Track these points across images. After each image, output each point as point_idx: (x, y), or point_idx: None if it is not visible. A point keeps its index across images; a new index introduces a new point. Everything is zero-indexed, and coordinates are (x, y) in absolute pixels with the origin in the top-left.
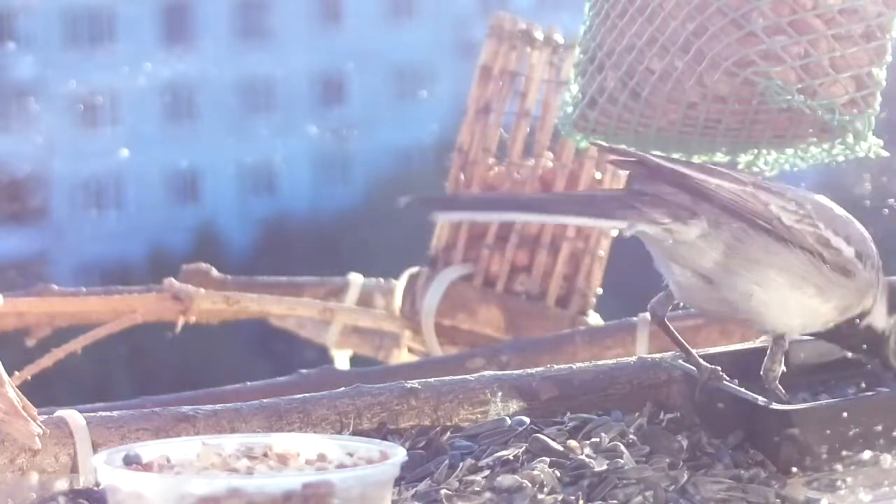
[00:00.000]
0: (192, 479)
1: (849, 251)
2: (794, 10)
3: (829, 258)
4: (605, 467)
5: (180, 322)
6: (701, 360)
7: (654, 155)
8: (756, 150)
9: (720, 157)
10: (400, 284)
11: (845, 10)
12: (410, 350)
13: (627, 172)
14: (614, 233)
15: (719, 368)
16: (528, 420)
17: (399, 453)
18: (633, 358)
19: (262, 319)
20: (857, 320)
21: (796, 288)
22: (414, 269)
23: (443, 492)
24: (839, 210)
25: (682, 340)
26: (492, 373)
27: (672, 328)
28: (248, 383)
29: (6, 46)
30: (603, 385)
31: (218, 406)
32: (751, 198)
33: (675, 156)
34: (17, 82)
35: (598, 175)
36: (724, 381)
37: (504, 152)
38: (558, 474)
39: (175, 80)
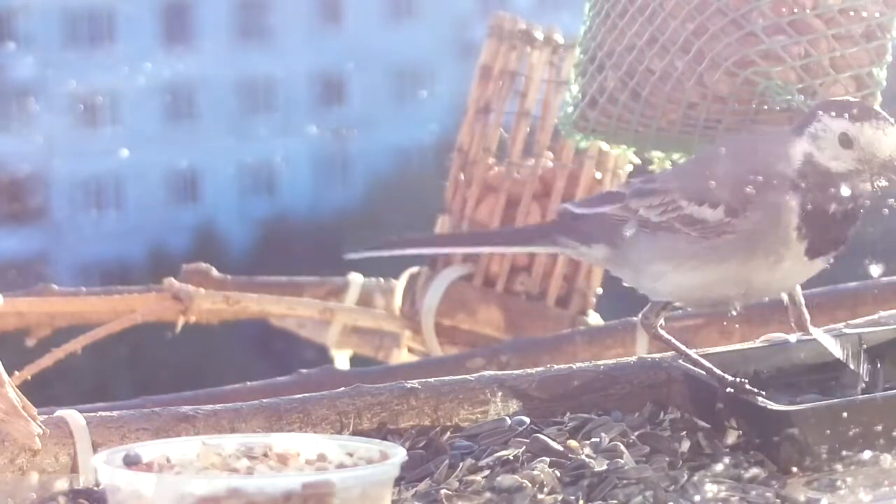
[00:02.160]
0: (192, 479)
1: (716, 214)
2: (793, 10)
3: (700, 233)
4: (605, 467)
5: (180, 322)
6: (717, 370)
7: (571, 203)
8: None
9: None
10: (400, 284)
11: (845, 10)
12: (410, 350)
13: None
14: None
15: (746, 382)
16: (528, 420)
17: (399, 453)
18: (633, 358)
19: (262, 319)
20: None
21: (679, 268)
22: (414, 269)
23: (443, 492)
24: (718, 155)
25: (685, 349)
26: (492, 373)
27: (673, 339)
28: (248, 383)
29: (6, 46)
30: (603, 385)
31: (218, 406)
32: (623, 211)
33: (675, 156)
34: (17, 82)
35: (597, 175)
36: (751, 392)
37: (504, 152)
38: (558, 474)
39: (175, 80)
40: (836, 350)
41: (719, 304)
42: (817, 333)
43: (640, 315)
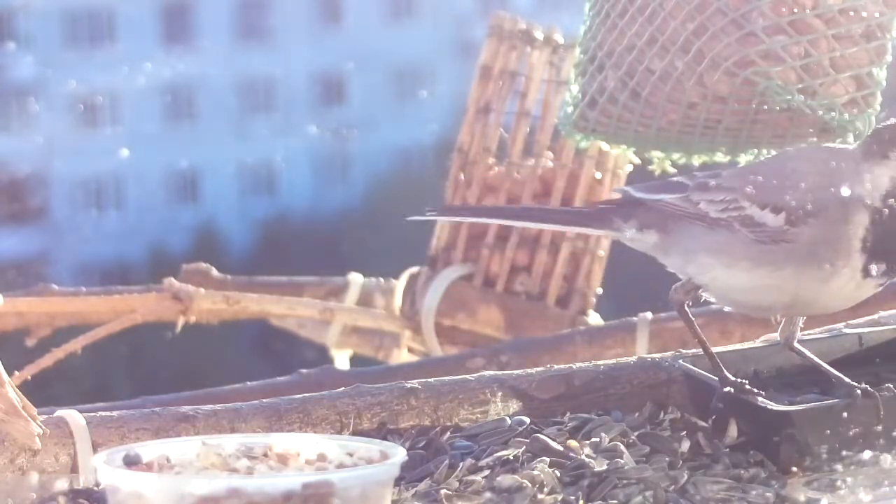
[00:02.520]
0: (192, 479)
1: (777, 220)
2: (793, 11)
3: (757, 236)
4: (605, 467)
5: (180, 322)
6: (725, 371)
7: (631, 188)
8: (756, 150)
9: (720, 157)
10: (400, 284)
11: (845, 10)
12: (410, 350)
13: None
14: None
15: (746, 383)
16: (528, 420)
17: (399, 453)
18: (633, 358)
19: (262, 319)
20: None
21: (730, 266)
22: (414, 269)
23: (443, 492)
24: (790, 165)
25: (702, 335)
26: (492, 373)
27: (694, 322)
28: (248, 383)
29: (6, 46)
30: (603, 385)
31: (218, 406)
32: (683, 202)
33: (675, 156)
34: (17, 82)
35: (597, 175)
36: (751, 392)
37: (504, 152)
38: (558, 474)
39: (175, 80)
40: (824, 366)
41: (761, 311)
42: (802, 351)
43: (672, 287)
